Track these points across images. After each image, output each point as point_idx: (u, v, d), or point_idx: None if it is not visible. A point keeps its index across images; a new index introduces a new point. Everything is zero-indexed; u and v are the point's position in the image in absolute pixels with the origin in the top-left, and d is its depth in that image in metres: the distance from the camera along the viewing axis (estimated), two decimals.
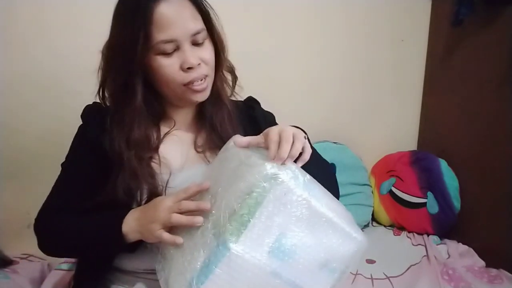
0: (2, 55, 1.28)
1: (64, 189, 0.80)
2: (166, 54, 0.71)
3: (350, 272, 1.29)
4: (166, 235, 0.64)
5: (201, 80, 0.75)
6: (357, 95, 1.73)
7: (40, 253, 1.40)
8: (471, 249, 1.46)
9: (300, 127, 0.72)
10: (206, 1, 0.76)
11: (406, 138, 1.84)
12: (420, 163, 1.62)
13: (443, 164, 1.59)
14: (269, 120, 0.93)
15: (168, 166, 0.78)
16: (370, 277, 1.28)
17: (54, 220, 0.78)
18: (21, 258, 1.36)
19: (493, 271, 1.32)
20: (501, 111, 1.40)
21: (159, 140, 0.79)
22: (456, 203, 1.56)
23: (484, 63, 1.46)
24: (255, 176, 0.59)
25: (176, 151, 0.82)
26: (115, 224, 0.69)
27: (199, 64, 0.73)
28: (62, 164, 0.83)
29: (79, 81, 1.31)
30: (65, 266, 1.27)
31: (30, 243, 1.43)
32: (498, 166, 1.42)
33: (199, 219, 0.61)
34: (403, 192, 1.61)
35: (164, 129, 0.82)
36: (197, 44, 0.73)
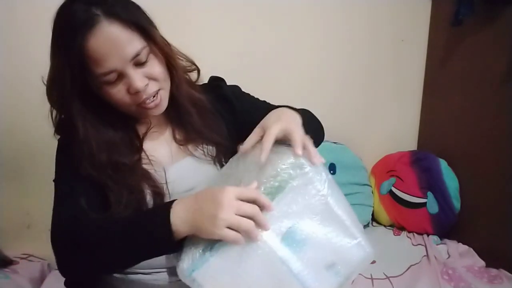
0: (2, 55, 1.28)
1: (72, 199, 0.70)
2: (111, 83, 0.68)
3: None
4: (233, 233, 0.59)
5: (153, 97, 0.72)
6: (357, 95, 1.73)
7: (40, 253, 1.42)
8: (471, 249, 1.46)
9: (290, 106, 0.75)
10: (135, 14, 0.69)
11: (406, 138, 1.84)
12: (420, 163, 1.62)
13: (443, 164, 1.59)
14: (237, 93, 0.91)
15: (159, 163, 0.78)
16: (370, 277, 1.28)
17: (82, 226, 0.66)
18: (21, 258, 1.36)
19: (493, 271, 1.32)
20: (501, 111, 1.40)
21: (140, 140, 0.78)
22: (456, 203, 1.56)
23: (484, 63, 1.46)
24: (283, 162, 0.62)
25: (161, 147, 0.82)
26: (162, 214, 0.62)
27: (146, 84, 0.69)
28: (56, 180, 0.76)
29: None
30: None
31: (30, 243, 1.45)
32: (498, 166, 1.42)
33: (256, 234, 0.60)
34: (403, 192, 1.61)
35: (141, 129, 0.81)
36: (140, 64, 0.69)
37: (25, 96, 1.32)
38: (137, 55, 0.67)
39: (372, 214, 1.70)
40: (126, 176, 0.72)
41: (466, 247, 1.48)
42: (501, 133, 1.40)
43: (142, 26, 0.68)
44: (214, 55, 1.28)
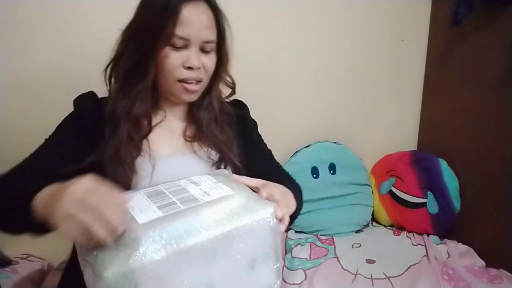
0: (2, 55, 1.28)
1: (42, 155, 0.78)
2: (175, 48, 0.77)
3: (350, 272, 1.30)
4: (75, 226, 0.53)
5: (195, 82, 0.81)
6: (357, 95, 1.73)
7: (40, 253, 1.42)
8: (471, 249, 1.46)
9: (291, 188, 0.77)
10: (226, 20, 0.84)
11: (406, 138, 1.84)
12: (420, 163, 1.62)
13: (443, 164, 1.60)
14: (255, 126, 1.02)
15: (154, 157, 0.80)
16: (370, 277, 1.28)
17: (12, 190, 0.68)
18: (21, 258, 1.36)
19: (493, 271, 1.32)
20: (501, 111, 1.40)
21: (149, 128, 0.83)
22: (456, 203, 1.56)
23: (484, 63, 1.46)
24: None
25: (165, 140, 0.85)
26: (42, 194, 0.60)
27: (199, 68, 0.79)
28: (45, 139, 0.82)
29: (80, 81, 1.31)
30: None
31: (30, 243, 1.45)
32: (498, 166, 1.42)
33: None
34: (403, 192, 1.62)
35: (155, 119, 0.86)
36: (204, 51, 0.80)
37: (25, 96, 1.32)
38: (208, 42, 0.79)
39: (372, 214, 1.70)
40: (129, 145, 0.78)
41: (466, 247, 1.48)
42: (501, 133, 1.40)
43: (223, 27, 0.83)
44: None
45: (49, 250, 1.39)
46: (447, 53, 1.65)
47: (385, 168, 1.71)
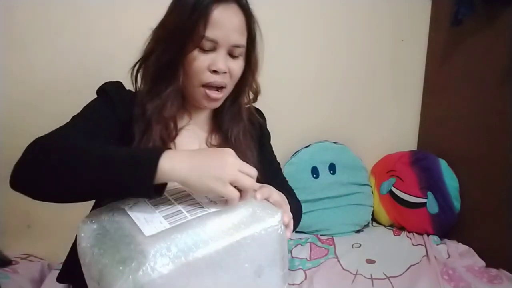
0: (2, 56, 1.28)
1: (77, 127, 0.71)
2: (203, 50, 0.75)
3: (350, 272, 1.30)
4: (234, 190, 0.58)
5: (219, 89, 0.79)
6: (357, 95, 1.73)
7: (40, 253, 1.42)
8: (471, 249, 1.46)
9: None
10: (258, 25, 0.83)
11: (406, 138, 1.84)
12: (420, 163, 1.62)
13: (443, 164, 1.60)
14: (269, 137, 1.01)
15: None
16: (370, 277, 1.28)
17: (60, 141, 0.64)
18: (21, 258, 1.36)
19: (493, 271, 1.32)
20: (501, 111, 1.40)
21: (176, 131, 0.81)
22: (456, 203, 1.56)
23: (484, 63, 1.46)
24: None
25: (192, 145, 0.84)
26: (153, 151, 0.58)
27: (225, 72, 0.77)
28: (73, 117, 0.75)
29: (80, 80, 1.32)
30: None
31: (30, 243, 1.45)
32: (498, 166, 1.42)
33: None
34: (403, 192, 1.61)
35: (180, 122, 0.84)
36: (232, 55, 0.78)
37: (25, 96, 1.32)
38: (237, 46, 0.77)
39: (372, 214, 1.70)
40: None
41: (466, 247, 1.48)
42: (501, 133, 1.40)
43: (254, 32, 0.82)
44: None
45: (49, 250, 1.40)
46: (447, 53, 1.65)
47: (385, 168, 1.70)
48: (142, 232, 0.54)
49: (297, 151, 1.67)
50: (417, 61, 1.77)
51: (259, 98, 0.98)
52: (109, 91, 0.78)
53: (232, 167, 0.58)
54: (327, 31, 1.63)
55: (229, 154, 0.60)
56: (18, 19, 1.28)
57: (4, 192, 1.35)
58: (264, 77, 1.60)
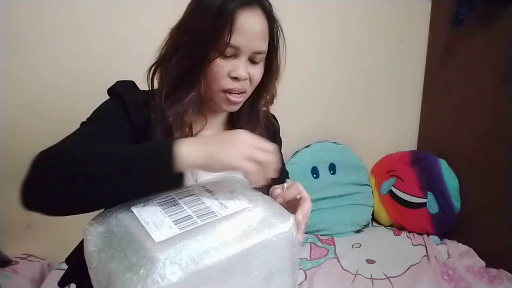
0: (2, 56, 1.28)
1: (86, 134, 0.68)
2: (224, 56, 0.73)
3: (350, 272, 1.30)
4: (252, 164, 0.57)
5: (239, 94, 0.78)
6: (357, 95, 1.73)
7: (40, 253, 1.42)
8: (471, 249, 1.46)
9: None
10: (281, 30, 0.82)
11: (406, 138, 1.84)
12: (420, 163, 1.62)
13: (443, 164, 1.60)
14: (280, 143, 1.00)
15: None
16: (370, 277, 1.28)
17: (71, 147, 0.61)
18: (21, 258, 1.36)
19: (493, 271, 1.32)
20: (501, 111, 1.40)
21: (192, 136, 0.80)
22: (456, 203, 1.56)
23: (484, 63, 1.46)
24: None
25: None
26: (168, 143, 0.58)
27: (245, 79, 0.76)
28: (82, 123, 0.73)
29: (80, 81, 1.32)
30: (65, 266, 1.27)
31: (30, 243, 1.45)
32: (498, 166, 1.42)
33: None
34: (403, 192, 1.62)
35: (195, 126, 0.82)
36: (252, 61, 0.77)
37: (25, 96, 1.32)
38: (259, 53, 0.76)
39: (372, 214, 1.70)
40: None
41: (466, 247, 1.48)
42: (501, 133, 1.40)
43: (276, 38, 0.81)
44: None
45: (49, 250, 1.40)
46: (447, 53, 1.65)
47: (385, 168, 1.71)
48: (152, 237, 0.53)
49: (297, 151, 1.67)
50: (417, 61, 1.77)
51: None
52: (122, 93, 0.75)
53: (247, 142, 0.59)
54: (327, 31, 1.63)
55: (243, 132, 0.61)
56: (18, 21, 1.27)
57: (4, 192, 1.36)
58: None
